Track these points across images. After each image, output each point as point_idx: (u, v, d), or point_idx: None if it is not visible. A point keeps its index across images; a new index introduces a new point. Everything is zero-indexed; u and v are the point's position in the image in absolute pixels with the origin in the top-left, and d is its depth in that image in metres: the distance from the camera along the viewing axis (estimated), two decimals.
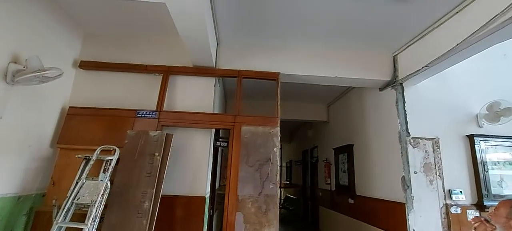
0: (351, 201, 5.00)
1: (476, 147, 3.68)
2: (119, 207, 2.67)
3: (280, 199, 11.98)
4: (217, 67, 3.43)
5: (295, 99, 6.09)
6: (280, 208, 10.42)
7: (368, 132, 4.56)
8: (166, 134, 2.95)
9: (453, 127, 3.78)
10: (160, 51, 3.50)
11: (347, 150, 5.16)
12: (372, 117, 4.44)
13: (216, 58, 3.47)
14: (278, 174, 3.02)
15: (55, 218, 2.50)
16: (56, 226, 2.46)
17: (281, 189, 12.57)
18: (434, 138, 3.72)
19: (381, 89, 4.06)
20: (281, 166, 13.25)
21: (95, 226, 2.45)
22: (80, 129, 3.09)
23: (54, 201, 2.69)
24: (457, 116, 3.81)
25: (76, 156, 2.78)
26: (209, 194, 3.54)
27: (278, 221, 2.90)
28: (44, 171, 2.96)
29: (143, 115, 3.14)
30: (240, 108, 3.29)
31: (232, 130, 3.09)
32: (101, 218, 2.58)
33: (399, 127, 3.67)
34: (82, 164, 2.75)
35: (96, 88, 3.35)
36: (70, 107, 3.16)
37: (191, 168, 3.24)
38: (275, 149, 3.05)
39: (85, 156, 2.77)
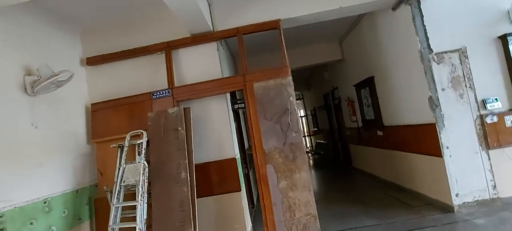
0: (380, 133, 4.97)
1: (511, 47, 3.36)
2: (160, 181, 2.94)
3: (312, 146, 12.25)
4: (215, 31, 3.35)
5: (305, 44, 5.85)
6: (312, 154, 10.72)
7: (386, 59, 4.33)
8: (184, 108, 3.06)
9: (481, 31, 3.45)
10: (158, 29, 3.47)
11: (368, 83, 5.00)
12: (389, 42, 4.17)
13: (212, 21, 3.37)
14: (299, 122, 3.06)
15: (111, 201, 2.85)
16: (113, 208, 2.80)
17: (311, 137, 12.79)
18: (460, 49, 3.45)
19: (394, 8, 3.73)
20: (306, 115, 13.30)
21: (145, 201, 2.75)
22: (107, 121, 3.32)
23: (105, 187, 3.03)
24: (484, 17, 3.45)
25: (111, 146, 3.04)
26: (239, 154, 3.74)
27: (308, 166, 3.02)
28: (89, 164, 3.29)
29: (158, 96, 3.26)
30: (247, 66, 3.26)
31: (244, 90, 3.12)
32: (149, 193, 2.89)
33: (419, 45, 3.43)
34: (118, 152, 3.00)
35: (109, 80, 3.49)
36: (92, 104, 3.37)
37: (215, 134, 3.40)
38: (291, 98, 3.05)
39: (119, 144, 3.02)
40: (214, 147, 3.39)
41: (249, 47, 3.43)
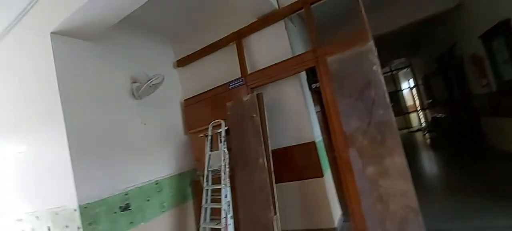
0: None
1: None
2: (241, 167, 3.09)
3: (426, 122, 10.16)
4: (280, 7, 3.14)
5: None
6: (427, 132, 8.86)
7: None
8: (256, 94, 3.07)
9: None
10: (229, 20, 3.56)
11: (503, 30, 3.57)
12: None
13: None
14: (387, 96, 2.50)
15: (203, 184, 3.23)
16: (204, 190, 3.18)
17: (425, 111, 10.60)
18: None
19: None
20: (417, 85, 11.04)
21: (228, 185, 2.97)
22: (195, 114, 3.75)
23: (197, 172, 3.47)
24: None
25: (199, 136, 3.43)
26: (320, 138, 3.47)
27: (403, 149, 2.45)
28: (188, 152, 3.83)
29: (233, 85, 3.40)
30: (317, 40, 2.90)
31: (317, 66, 2.80)
32: (232, 176, 3.10)
33: None
34: (206, 141, 3.35)
35: (195, 77, 3.90)
36: (184, 100, 3.88)
37: (292, 118, 3.26)
38: (374, 67, 2.52)
39: (205, 134, 3.36)
40: (291, 131, 3.27)
41: (323, 20, 3.04)
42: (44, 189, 2.71)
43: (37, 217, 2.82)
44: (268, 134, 2.99)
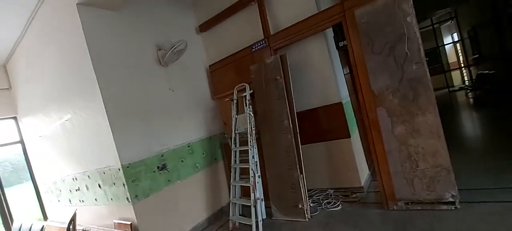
0: None
1: None
2: (266, 129, 3.16)
3: (470, 79, 9.25)
4: None
5: None
6: (471, 90, 8.09)
7: None
8: (279, 56, 3.00)
9: None
10: None
11: None
12: None
13: None
14: (421, 50, 2.29)
15: (231, 146, 3.38)
16: (233, 151, 3.33)
17: (469, 68, 9.59)
18: None
19: None
20: (461, 39, 9.88)
21: (255, 146, 3.07)
22: (220, 79, 3.81)
23: (225, 135, 3.62)
24: None
25: (225, 100, 3.51)
26: (348, 98, 3.37)
27: (436, 106, 2.29)
28: (216, 116, 3.96)
29: (256, 48, 3.34)
30: None
31: (344, 22, 2.61)
32: (258, 139, 3.20)
33: None
34: (231, 105, 3.43)
35: (218, 42, 3.89)
36: (209, 66, 3.93)
37: (317, 79, 3.18)
38: (408, 18, 2.29)
39: (231, 98, 3.43)
40: (317, 92, 3.21)
41: None
42: (91, 151, 3.04)
43: (88, 176, 3.22)
44: (292, 96, 2.97)
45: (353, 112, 3.45)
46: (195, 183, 3.44)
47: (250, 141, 3.04)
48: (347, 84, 3.46)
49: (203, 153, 3.63)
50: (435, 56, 10.42)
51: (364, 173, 3.28)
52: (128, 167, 2.73)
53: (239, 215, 3.21)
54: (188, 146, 3.43)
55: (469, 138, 4.40)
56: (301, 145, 2.94)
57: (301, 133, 2.98)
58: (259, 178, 3.03)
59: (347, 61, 3.51)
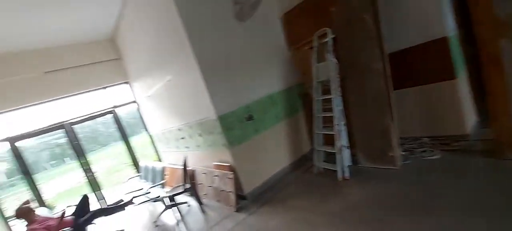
0: None
1: None
2: (352, 75, 2.99)
3: None
4: None
5: None
6: None
7: None
8: None
9: None
10: None
11: None
12: None
13: None
14: None
15: (313, 95, 3.37)
16: (315, 100, 3.32)
17: None
18: None
19: None
20: None
21: (339, 94, 2.99)
22: (296, 28, 3.66)
23: (305, 85, 3.59)
24: None
25: (304, 49, 3.41)
26: (454, 32, 2.82)
27: None
28: (293, 68, 3.94)
29: None
30: None
31: None
32: (342, 86, 3.08)
33: None
34: (311, 53, 3.32)
35: None
36: (284, 14, 3.80)
37: (415, 12, 2.73)
38: None
39: (310, 46, 3.31)
40: (414, 27, 2.79)
41: None
42: (191, 106, 3.52)
43: (190, 127, 3.79)
44: (383, 35, 2.66)
45: (459, 49, 2.90)
46: (278, 132, 3.65)
47: (334, 89, 2.96)
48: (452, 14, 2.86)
49: (284, 104, 3.75)
50: None
51: (470, 119, 2.84)
52: (222, 117, 3.08)
53: (323, 161, 3.31)
54: (270, 98, 3.59)
55: None
56: (393, 90, 2.70)
57: (393, 76, 2.71)
58: (344, 126, 3.00)
59: None
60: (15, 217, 2.85)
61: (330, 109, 3.03)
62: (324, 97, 3.20)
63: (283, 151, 3.69)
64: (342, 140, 2.97)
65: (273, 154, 3.56)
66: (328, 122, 3.20)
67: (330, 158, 3.16)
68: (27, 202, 2.95)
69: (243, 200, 3.21)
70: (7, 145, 4.15)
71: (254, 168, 3.32)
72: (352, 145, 3.09)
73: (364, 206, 2.32)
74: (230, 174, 3.18)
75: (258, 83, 3.49)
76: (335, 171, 2.99)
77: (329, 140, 3.18)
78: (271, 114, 3.57)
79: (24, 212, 2.82)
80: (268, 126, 3.53)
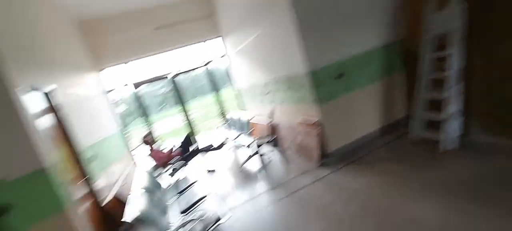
0: None
1: None
2: (491, 26, 2.37)
3: None
4: None
5: None
6: None
7: None
8: None
9: None
10: None
11: None
12: None
13: None
14: None
15: (422, 52, 2.88)
16: (424, 58, 2.85)
17: None
18: None
19: None
20: None
21: (460, 51, 2.45)
22: None
23: (410, 40, 3.08)
24: None
25: None
26: None
27: None
28: (399, 20, 3.38)
29: None
30: None
31: None
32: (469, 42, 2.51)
33: None
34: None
35: None
36: None
37: None
38: None
39: None
40: None
41: None
42: (279, 61, 3.54)
43: (276, 82, 3.88)
44: None
45: None
46: (371, 93, 3.36)
47: (456, 44, 2.44)
48: None
49: (380, 62, 3.36)
50: None
51: None
52: (312, 73, 3.01)
53: (423, 129, 2.92)
54: (367, 54, 3.26)
55: None
56: None
57: None
58: (461, 89, 2.50)
59: None
60: (143, 143, 3.69)
61: (443, 69, 2.55)
62: (437, 55, 2.70)
63: (374, 113, 3.42)
64: (455, 106, 2.50)
65: (363, 115, 3.34)
66: (437, 84, 2.73)
67: (432, 126, 2.75)
68: (150, 133, 3.76)
69: (327, 158, 3.21)
70: (132, 88, 5.21)
71: (341, 126, 3.22)
72: (466, 113, 2.58)
73: (477, 182, 1.99)
74: (316, 130, 3.18)
75: (355, 39, 3.19)
76: (436, 142, 2.62)
77: (435, 106, 2.74)
78: (364, 72, 3.28)
79: (149, 140, 3.61)
80: (360, 85, 3.27)
